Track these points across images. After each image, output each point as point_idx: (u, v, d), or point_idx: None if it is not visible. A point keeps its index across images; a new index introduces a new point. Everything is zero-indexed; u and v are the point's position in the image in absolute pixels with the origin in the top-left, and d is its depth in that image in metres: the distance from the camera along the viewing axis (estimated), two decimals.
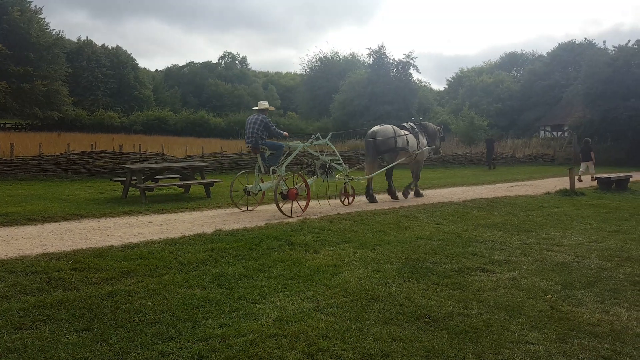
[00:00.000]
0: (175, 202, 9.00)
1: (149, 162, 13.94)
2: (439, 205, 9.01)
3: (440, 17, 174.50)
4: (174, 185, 10.10)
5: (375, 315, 3.56)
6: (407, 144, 9.93)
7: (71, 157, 13.35)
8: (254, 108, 8.67)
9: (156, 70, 67.02)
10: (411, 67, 35.77)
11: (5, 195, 9.35)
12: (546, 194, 11.27)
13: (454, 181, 14.46)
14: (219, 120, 40.58)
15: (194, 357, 2.82)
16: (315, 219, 7.23)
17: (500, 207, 9.02)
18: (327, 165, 9.00)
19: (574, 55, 40.62)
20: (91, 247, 5.16)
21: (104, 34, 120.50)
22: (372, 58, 37.05)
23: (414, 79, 37.77)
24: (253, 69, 71.52)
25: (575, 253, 5.62)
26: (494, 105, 41.53)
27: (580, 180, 14.47)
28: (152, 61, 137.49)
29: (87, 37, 50.79)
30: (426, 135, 10.73)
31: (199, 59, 72.03)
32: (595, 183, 13.23)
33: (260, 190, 8.33)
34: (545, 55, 45.77)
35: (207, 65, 61.65)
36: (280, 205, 7.64)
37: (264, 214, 7.91)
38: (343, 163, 9.34)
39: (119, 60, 48.01)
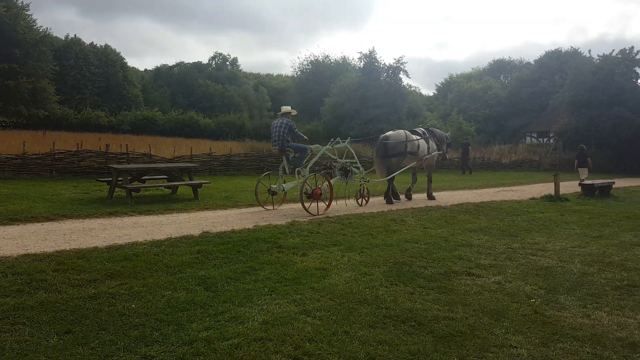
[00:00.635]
0: (162, 204, 8.90)
1: (136, 162, 13.77)
2: (427, 209, 9.09)
3: (432, 22, 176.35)
4: (161, 186, 9.99)
5: (362, 318, 3.57)
6: (418, 149, 10.33)
7: (56, 156, 13.11)
8: (278, 113, 9.16)
9: (145, 70, 66.31)
10: (401, 71, 35.98)
11: None
12: (531, 199, 11.43)
13: (441, 185, 14.58)
14: (208, 121, 40.25)
15: None
16: (304, 221, 7.22)
17: (487, 212, 9.12)
18: (347, 168, 9.42)
19: (560, 64, 41.49)
20: (75, 248, 5.07)
21: (93, 32, 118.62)
22: (363, 62, 37.16)
23: (404, 83, 37.97)
24: (244, 70, 71.27)
25: (559, 258, 5.71)
26: (482, 111, 42.13)
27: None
28: (143, 61, 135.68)
29: (75, 35, 50.18)
30: (435, 140, 11.15)
31: (191, 59, 71.13)
32: (579, 189, 13.47)
33: (284, 190, 8.66)
34: (533, 63, 46.62)
35: (197, 65, 61.15)
36: (306, 205, 7.97)
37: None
38: (360, 166, 9.72)
39: (108, 59, 47.36)
